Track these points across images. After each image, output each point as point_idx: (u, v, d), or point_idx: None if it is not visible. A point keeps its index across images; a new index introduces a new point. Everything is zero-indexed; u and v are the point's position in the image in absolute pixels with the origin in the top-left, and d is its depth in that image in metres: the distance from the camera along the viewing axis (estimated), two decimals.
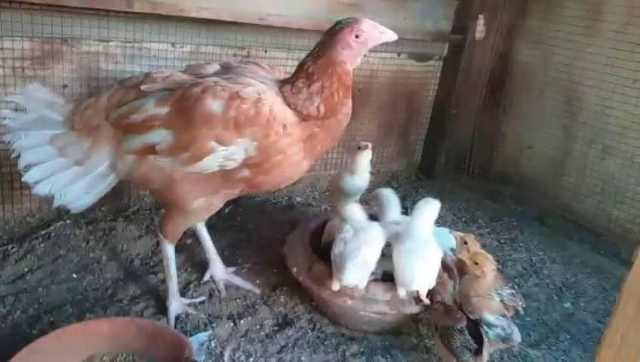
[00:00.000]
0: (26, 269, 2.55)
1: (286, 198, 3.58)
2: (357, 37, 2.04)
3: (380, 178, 4.16)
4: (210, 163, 2.03)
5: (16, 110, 2.19)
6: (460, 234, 2.43)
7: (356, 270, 2.15)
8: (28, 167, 2.09)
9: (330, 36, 2.06)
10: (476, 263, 2.16)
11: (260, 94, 2.01)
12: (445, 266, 2.37)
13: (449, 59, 4.14)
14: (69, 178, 2.11)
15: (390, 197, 2.60)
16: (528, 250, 3.42)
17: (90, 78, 2.82)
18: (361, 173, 2.63)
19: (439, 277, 2.27)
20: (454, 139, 4.28)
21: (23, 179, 2.09)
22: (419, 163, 4.45)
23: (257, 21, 3.06)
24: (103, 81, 2.84)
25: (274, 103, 2.03)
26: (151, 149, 2.05)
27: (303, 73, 2.07)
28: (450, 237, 2.48)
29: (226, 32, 3.12)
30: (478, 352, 2.02)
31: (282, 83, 2.12)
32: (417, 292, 2.22)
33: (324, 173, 3.86)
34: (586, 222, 3.67)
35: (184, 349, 1.92)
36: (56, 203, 2.12)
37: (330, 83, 2.05)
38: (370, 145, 2.63)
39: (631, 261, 0.82)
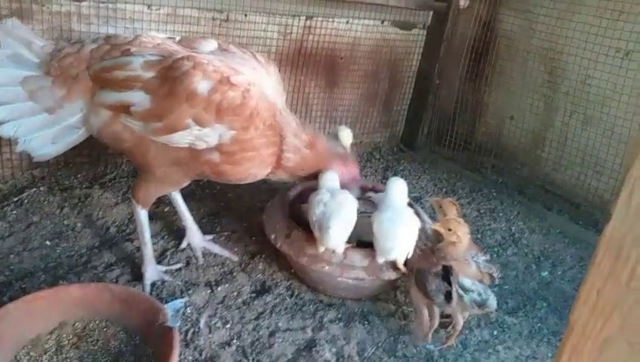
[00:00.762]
0: None
1: None
2: (344, 172, 2.38)
3: (363, 149, 4.14)
4: (181, 138, 2.01)
5: None
6: (436, 198, 2.43)
7: (339, 230, 2.13)
8: None
9: (344, 160, 2.41)
10: (450, 229, 2.16)
11: (249, 85, 2.01)
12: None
13: (433, 28, 4.08)
14: (37, 124, 2.05)
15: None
16: (508, 220, 3.44)
17: (63, 39, 2.71)
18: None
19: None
20: (437, 110, 4.25)
21: None
22: (401, 134, 4.42)
23: None
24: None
25: (261, 100, 2.03)
26: (125, 109, 2.00)
27: (311, 138, 2.27)
28: None
29: None
30: (448, 296, 2.04)
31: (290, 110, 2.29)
32: (395, 260, 2.22)
33: None
34: (565, 192, 3.69)
35: (158, 314, 1.89)
36: (20, 148, 2.05)
37: (310, 166, 2.30)
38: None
39: (609, 213, 0.79)
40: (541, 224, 3.43)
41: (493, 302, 2.09)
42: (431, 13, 4.07)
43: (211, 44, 2.20)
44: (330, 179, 2.31)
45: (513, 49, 3.88)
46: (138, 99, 1.98)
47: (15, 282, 2.24)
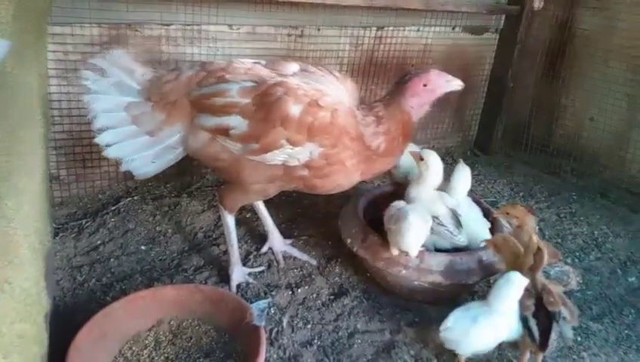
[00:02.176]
0: (99, 242, 2.73)
1: None
2: (425, 85, 2.17)
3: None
4: (275, 156, 2.13)
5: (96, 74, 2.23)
6: (497, 211, 2.43)
7: (417, 233, 2.19)
8: (101, 130, 2.17)
9: (401, 85, 2.21)
10: (508, 213, 2.15)
11: (336, 106, 2.13)
12: None
13: (505, 31, 4.03)
14: (139, 146, 2.21)
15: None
16: (590, 224, 3.32)
17: (153, 61, 2.94)
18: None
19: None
20: (511, 113, 4.19)
21: (96, 140, 2.17)
22: (475, 138, 4.38)
23: (311, 0, 3.09)
24: (164, 63, 2.97)
25: (347, 117, 2.15)
26: (224, 131, 2.15)
27: (373, 113, 2.20)
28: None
29: (280, 12, 3.17)
30: (541, 345, 1.94)
31: (357, 107, 2.25)
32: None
33: None
34: None
35: (245, 314, 2.01)
36: (124, 167, 2.21)
37: (395, 129, 2.20)
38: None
39: None
40: (626, 228, 3.28)
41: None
42: (503, 16, 4.02)
43: (293, 66, 2.32)
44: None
45: (592, 48, 3.75)
46: (236, 123, 2.12)
47: (116, 283, 2.44)
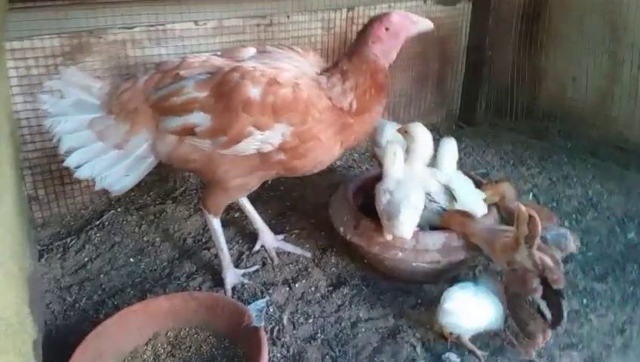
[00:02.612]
0: (86, 259, 2.64)
1: None
2: (387, 29, 2.04)
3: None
4: (247, 146, 2.06)
5: (54, 96, 2.18)
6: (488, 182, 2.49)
7: (410, 216, 2.13)
8: (69, 152, 2.11)
9: (362, 33, 2.09)
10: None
11: (297, 80, 2.03)
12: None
13: (478, 0, 3.96)
14: (109, 161, 2.15)
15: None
16: (583, 184, 3.29)
17: (121, 67, 2.85)
18: None
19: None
20: (493, 82, 4.12)
21: (65, 163, 2.12)
22: (459, 111, 4.32)
23: None
24: (132, 68, 2.87)
25: (311, 89, 2.05)
26: (190, 131, 2.08)
27: (338, 70, 2.09)
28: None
29: (246, 3, 3.09)
30: (553, 325, 1.90)
31: (319, 73, 2.14)
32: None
33: None
34: None
35: (243, 316, 1.96)
36: (98, 186, 2.15)
37: (364, 81, 2.06)
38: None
39: None
40: (620, 185, 3.26)
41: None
42: None
43: (250, 51, 2.24)
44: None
45: (566, 7, 3.69)
46: (199, 119, 2.04)
47: (108, 299, 2.37)
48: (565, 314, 1.89)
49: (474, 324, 2.01)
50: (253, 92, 1.99)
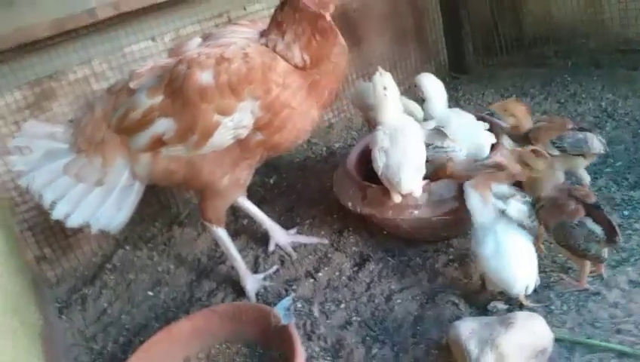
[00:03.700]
0: (105, 304, 2.57)
1: (325, 148, 3.43)
2: None
3: (410, 95, 3.91)
4: (222, 138, 1.96)
5: (22, 154, 2.14)
6: (498, 103, 2.32)
7: (411, 172, 2.00)
8: (53, 204, 2.06)
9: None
10: (505, 110, 2.06)
11: (245, 49, 1.92)
12: None
13: None
14: (96, 201, 2.08)
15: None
16: (594, 98, 3.11)
17: (89, 103, 2.75)
18: None
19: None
20: (474, 22, 3.94)
21: (53, 216, 2.07)
22: (447, 61, 4.15)
23: None
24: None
25: (263, 54, 1.93)
26: (159, 142, 1.99)
27: (273, 24, 1.99)
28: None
29: (198, 5, 2.98)
30: (610, 238, 1.72)
31: (260, 37, 2.02)
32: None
33: (354, 109, 3.64)
34: None
35: (269, 318, 1.85)
36: (94, 229, 2.10)
37: (302, 29, 1.95)
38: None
39: None
40: (632, 87, 3.07)
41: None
42: None
43: (195, 41, 2.16)
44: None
45: None
46: (163, 126, 1.97)
47: (134, 338, 2.28)
48: (616, 225, 1.73)
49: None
50: (205, 77, 1.88)
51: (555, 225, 1.81)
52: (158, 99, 1.94)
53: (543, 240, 2.04)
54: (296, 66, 1.95)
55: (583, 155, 2.04)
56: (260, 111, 1.92)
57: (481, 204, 1.90)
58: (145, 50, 2.87)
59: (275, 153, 2.15)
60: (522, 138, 2.16)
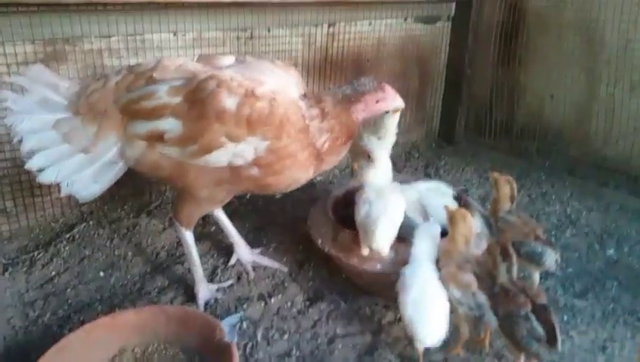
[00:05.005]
0: (53, 273, 2.54)
1: None
2: (377, 102, 2.12)
3: (400, 149, 4.07)
4: (219, 158, 2.00)
5: (18, 92, 2.07)
6: (496, 174, 2.42)
7: (386, 231, 2.07)
8: (31, 153, 1.99)
9: (357, 94, 2.11)
10: (451, 220, 2.05)
11: (274, 94, 2.00)
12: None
13: (457, 18, 4.02)
14: (76, 166, 2.03)
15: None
16: (562, 201, 3.29)
17: (96, 76, 2.78)
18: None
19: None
20: (472, 100, 4.16)
21: (27, 166, 2.00)
22: (438, 129, 4.34)
23: None
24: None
25: (289, 106, 2.02)
26: (159, 137, 2.01)
27: (319, 108, 2.08)
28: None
29: (227, 15, 3.05)
30: (551, 341, 1.79)
31: (300, 97, 2.13)
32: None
33: None
34: (620, 166, 3.50)
35: (215, 331, 1.89)
36: (64, 192, 2.04)
37: (339, 129, 2.10)
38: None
39: None
40: (598, 202, 3.27)
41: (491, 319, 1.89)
42: (454, 3, 4.00)
43: (228, 59, 2.20)
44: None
45: (544, 25, 3.74)
46: (170, 125, 1.98)
47: (74, 315, 2.26)
48: (558, 332, 1.80)
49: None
50: (229, 102, 1.94)
51: (503, 313, 1.89)
52: (177, 99, 1.96)
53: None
54: (312, 146, 2.07)
55: (533, 264, 2.16)
56: (264, 152, 1.99)
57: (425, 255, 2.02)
58: (164, 42, 2.92)
59: (261, 192, 2.21)
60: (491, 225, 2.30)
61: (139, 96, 2.01)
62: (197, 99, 1.96)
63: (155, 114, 1.98)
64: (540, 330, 1.79)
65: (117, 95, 2.05)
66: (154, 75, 2.03)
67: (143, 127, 2.01)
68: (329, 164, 2.21)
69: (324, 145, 2.08)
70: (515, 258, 1.92)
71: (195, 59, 2.20)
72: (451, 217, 2.06)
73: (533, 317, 1.81)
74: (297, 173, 2.11)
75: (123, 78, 2.08)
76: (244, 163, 2.01)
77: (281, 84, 2.09)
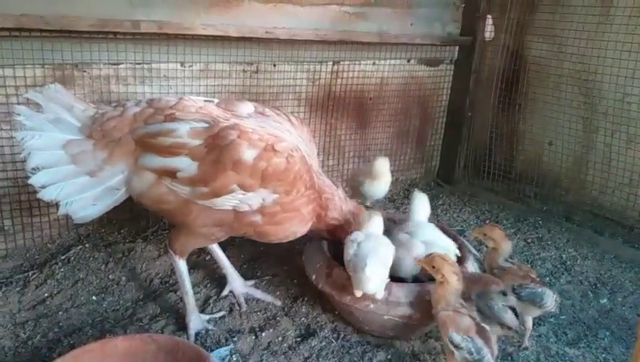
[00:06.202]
0: (46, 294, 2.54)
1: None
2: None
3: (399, 186, 4.10)
4: (225, 202, 2.06)
5: (32, 109, 2.10)
6: (476, 228, 2.48)
7: (378, 265, 2.07)
8: (36, 170, 2.01)
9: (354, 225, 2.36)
10: (433, 267, 2.04)
11: (293, 152, 2.09)
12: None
13: (460, 62, 4.11)
14: (79, 187, 2.06)
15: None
16: (557, 247, 3.30)
17: (103, 102, 2.83)
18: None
19: None
20: (472, 142, 4.22)
21: (30, 180, 2.02)
22: (437, 169, 4.38)
23: (264, 35, 3.07)
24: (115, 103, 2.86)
25: (303, 164, 2.12)
26: (170, 173, 2.04)
27: (329, 193, 2.32)
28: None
29: (233, 48, 3.14)
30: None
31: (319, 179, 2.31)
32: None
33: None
34: (615, 215, 3.54)
35: None
36: (62, 211, 2.05)
37: (340, 216, 2.37)
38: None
39: None
40: (593, 250, 3.28)
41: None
42: (457, 47, 4.10)
43: (248, 107, 2.27)
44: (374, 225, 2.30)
45: (544, 75, 3.83)
46: (184, 165, 2.01)
47: (64, 338, 2.25)
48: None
49: None
50: (248, 153, 2.00)
51: (477, 293, 2.06)
52: (196, 142, 2.00)
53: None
54: (317, 214, 2.26)
55: (534, 306, 2.18)
56: (271, 203, 2.07)
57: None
58: (171, 72, 3.00)
59: (259, 238, 2.25)
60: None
61: (158, 130, 2.04)
62: (217, 145, 2.01)
63: (171, 151, 2.02)
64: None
65: (134, 126, 2.08)
66: (176, 113, 2.08)
67: (157, 161, 2.04)
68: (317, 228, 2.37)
69: (332, 220, 2.34)
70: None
71: (216, 103, 2.26)
72: (432, 265, 2.05)
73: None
74: (297, 226, 2.21)
75: (142, 110, 2.12)
76: (248, 209, 2.07)
77: (296, 141, 2.19)
